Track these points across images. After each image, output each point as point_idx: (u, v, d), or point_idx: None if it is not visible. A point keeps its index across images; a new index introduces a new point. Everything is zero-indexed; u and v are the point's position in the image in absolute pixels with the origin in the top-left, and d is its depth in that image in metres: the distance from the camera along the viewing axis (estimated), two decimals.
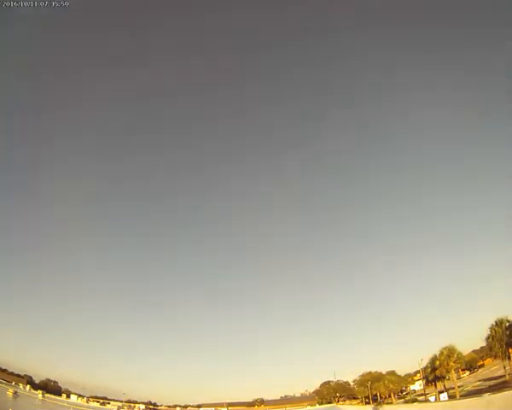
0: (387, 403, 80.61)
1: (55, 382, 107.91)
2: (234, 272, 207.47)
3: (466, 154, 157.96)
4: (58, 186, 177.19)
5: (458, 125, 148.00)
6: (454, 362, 58.58)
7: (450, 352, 58.80)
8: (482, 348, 77.82)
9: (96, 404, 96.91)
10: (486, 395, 24.69)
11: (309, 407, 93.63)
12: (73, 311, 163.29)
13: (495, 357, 62.46)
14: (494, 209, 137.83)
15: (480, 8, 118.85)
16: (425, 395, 69.69)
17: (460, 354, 60.11)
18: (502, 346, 50.60)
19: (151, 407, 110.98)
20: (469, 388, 56.32)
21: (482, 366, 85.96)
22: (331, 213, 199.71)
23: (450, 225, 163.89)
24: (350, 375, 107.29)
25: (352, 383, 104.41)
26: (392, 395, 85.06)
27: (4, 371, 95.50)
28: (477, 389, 55.32)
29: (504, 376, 55.27)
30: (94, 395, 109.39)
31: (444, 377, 61.70)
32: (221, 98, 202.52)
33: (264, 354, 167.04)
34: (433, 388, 71.17)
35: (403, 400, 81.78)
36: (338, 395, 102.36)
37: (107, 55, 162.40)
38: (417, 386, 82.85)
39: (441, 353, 60.41)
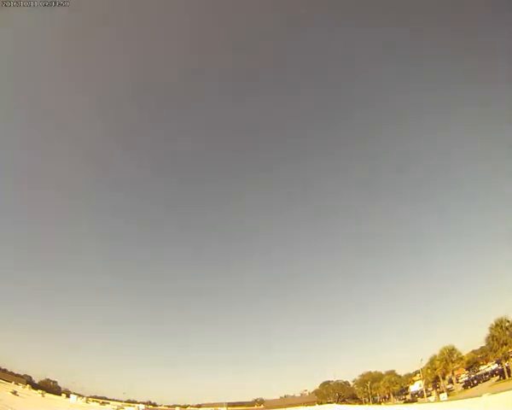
0: (387, 403, 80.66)
1: (54, 382, 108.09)
2: (233, 272, 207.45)
3: (466, 154, 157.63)
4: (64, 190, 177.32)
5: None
6: (453, 362, 58.65)
7: (449, 352, 58.93)
8: (482, 348, 77.78)
9: (95, 404, 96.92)
10: (485, 395, 24.57)
11: (309, 407, 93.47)
12: (73, 311, 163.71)
13: (495, 357, 62.52)
14: (494, 211, 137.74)
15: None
16: (425, 395, 69.63)
17: (459, 354, 60.21)
18: (501, 346, 50.66)
19: (151, 406, 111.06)
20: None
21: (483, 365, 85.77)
22: (331, 216, 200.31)
23: (450, 226, 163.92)
24: (350, 375, 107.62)
25: (351, 383, 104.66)
26: (391, 395, 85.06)
27: (4, 370, 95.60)
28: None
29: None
30: (93, 394, 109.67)
31: (443, 378, 61.77)
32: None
33: (263, 354, 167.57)
34: (433, 388, 71.22)
35: (402, 400, 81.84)
36: (338, 395, 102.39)
37: (110, 58, 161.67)
38: (417, 386, 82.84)
39: (441, 353, 60.51)
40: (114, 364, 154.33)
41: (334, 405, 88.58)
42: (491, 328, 53.01)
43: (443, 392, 59.90)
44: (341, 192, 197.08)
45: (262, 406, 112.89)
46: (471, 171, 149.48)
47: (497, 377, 56.61)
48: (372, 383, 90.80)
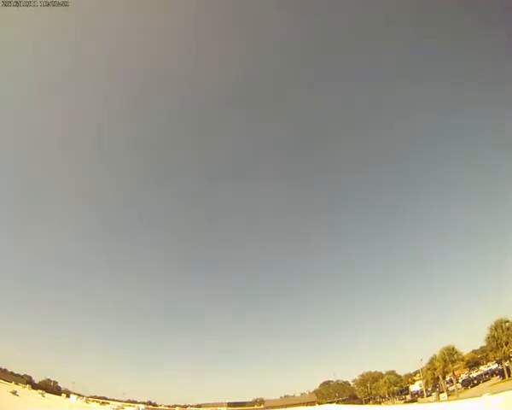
0: (387, 403, 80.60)
1: (54, 382, 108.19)
2: (233, 273, 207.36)
3: (465, 154, 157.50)
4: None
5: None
6: (454, 362, 58.50)
7: (449, 352, 58.75)
8: (482, 348, 77.79)
9: (95, 404, 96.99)
10: (486, 395, 24.60)
11: (309, 407, 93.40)
12: (73, 311, 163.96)
13: (495, 357, 62.48)
14: (494, 212, 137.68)
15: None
16: (425, 395, 69.59)
17: (460, 354, 60.05)
18: (501, 346, 50.59)
19: (151, 406, 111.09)
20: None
21: (484, 365, 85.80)
22: (331, 216, 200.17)
23: (450, 227, 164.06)
24: (350, 375, 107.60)
25: (351, 383, 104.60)
26: (391, 394, 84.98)
27: (4, 371, 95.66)
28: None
29: None
30: (93, 394, 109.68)
31: (444, 378, 61.65)
32: None
33: (264, 354, 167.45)
34: (433, 388, 71.16)
35: (402, 400, 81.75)
36: (338, 394, 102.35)
37: (111, 60, 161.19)
38: (417, 386, 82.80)
39: (441, 353, 60.34)
40: (114, 364, 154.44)
41: (334, 405, 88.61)
42: (491, 328, 52.89)
43: (443, 392, 59.82)
44: (343, 198, 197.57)
45: (262, 406, 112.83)
46: (471, 172, 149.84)
47: (498, 377, 56.57)
48: (372, 383, 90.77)
